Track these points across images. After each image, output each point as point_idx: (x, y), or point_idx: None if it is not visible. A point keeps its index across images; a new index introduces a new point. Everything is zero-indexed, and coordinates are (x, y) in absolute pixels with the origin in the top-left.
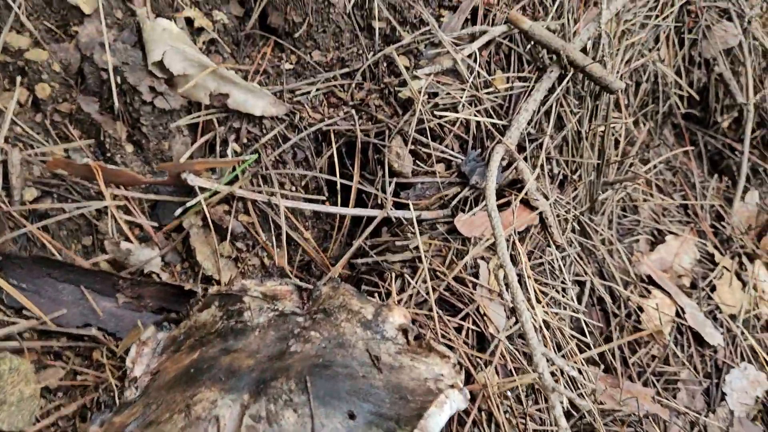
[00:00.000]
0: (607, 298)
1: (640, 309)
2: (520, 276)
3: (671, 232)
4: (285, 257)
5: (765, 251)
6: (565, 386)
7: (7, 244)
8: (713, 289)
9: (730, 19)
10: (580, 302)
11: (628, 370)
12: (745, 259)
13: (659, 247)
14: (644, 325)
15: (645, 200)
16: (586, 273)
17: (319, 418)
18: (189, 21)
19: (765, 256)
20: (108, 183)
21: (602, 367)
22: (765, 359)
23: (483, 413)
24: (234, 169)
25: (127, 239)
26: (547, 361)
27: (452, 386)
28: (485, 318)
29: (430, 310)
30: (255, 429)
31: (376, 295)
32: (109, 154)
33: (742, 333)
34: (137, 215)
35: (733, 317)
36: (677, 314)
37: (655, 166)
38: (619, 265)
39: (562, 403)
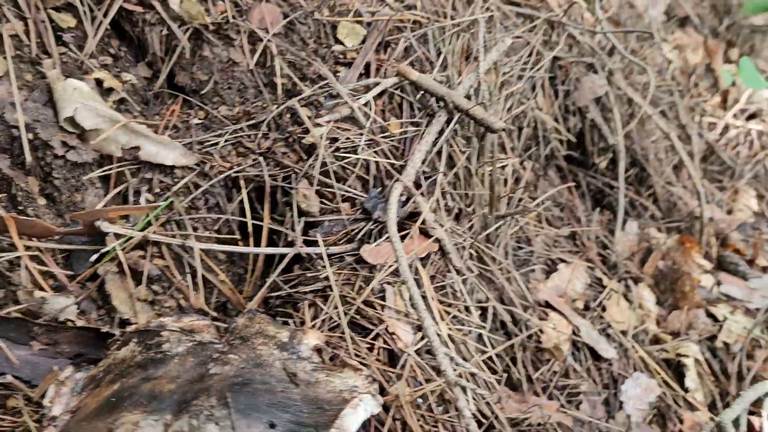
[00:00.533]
0: (509, 321)
1: (540, 330)
2: (424, 297)
3: (563, 260)
4: (201, 298)
5: (647, 275)
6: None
7: None
8: (604, 309)
9: (596, 72)
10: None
11: (532, 386)
12: (630, 282)
13: (553, 275)
14: (544, 344)
15: (537, 234)
16: (488, 299)
17: (241, 429)
18: (99, 82)
19: (648, 279)
20: (21, 234)
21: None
22: (655, 369)
23: (397, 422)
24: (147, 215)
25: (41, 289)
26: (451, 360)
27: (366, 393)
28: (394, 336)
29: (343, 332)
30: None
31: (291, 323)
32: (21, 207)
33: (633, 346)
34: (51, 265)
35: (623, 333)
36: (573, 333)
37: (543, 202)
38: (518, 292)
39: (466, 395)
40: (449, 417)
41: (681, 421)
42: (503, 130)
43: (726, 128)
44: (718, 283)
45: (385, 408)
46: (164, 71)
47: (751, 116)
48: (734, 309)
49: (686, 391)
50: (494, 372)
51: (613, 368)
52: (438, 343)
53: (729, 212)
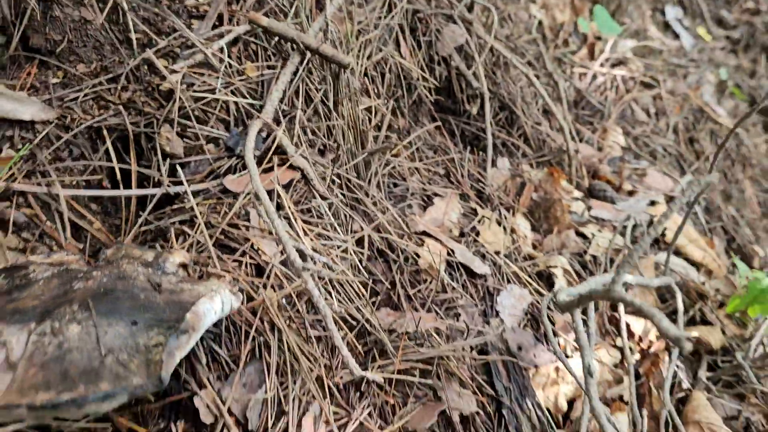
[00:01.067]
0: (386, 248)
1: (417, 255)
2: (287, 218)
3: (438, 195)
4: (72, 241)
5: (523, 206)
6: (335, 295)
7: None
8: (478, 233)
9: (455, 22)
10: (362, 255)
11: (412, 303)
12: (504, 212)
13: (429, 209)
14: (421, 266)
15: (412, 173)
16: (362, 228)
17: (103, 327)
18: None
19: (523, 209)
20: None
21: (388, 305)
22: (526, 280)
23: (266, 323)
24: (9, 166)
25: None
26: (298, 250)
27: (225, 288)
28: (260, 251)
29: (209, 252)
30: (41, 342)
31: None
32: None
33: (505, 263)
34: None
35: (497, 253)
36: (448, 254)
37: (413, 143)
38: (394, 222)
39: (313, 278)
40: (316, 317)
41: (553, 323)
42: (351, 66)
43: (594, 76)
44: (589, 209)
45: (254, 313)
46: (16, 35)
47: (616, 64)
48: (602, 228)
49: (550, 308)
50: (365, 285)
51: (488, 283)
52: (286, 237)
53: (600, 149)
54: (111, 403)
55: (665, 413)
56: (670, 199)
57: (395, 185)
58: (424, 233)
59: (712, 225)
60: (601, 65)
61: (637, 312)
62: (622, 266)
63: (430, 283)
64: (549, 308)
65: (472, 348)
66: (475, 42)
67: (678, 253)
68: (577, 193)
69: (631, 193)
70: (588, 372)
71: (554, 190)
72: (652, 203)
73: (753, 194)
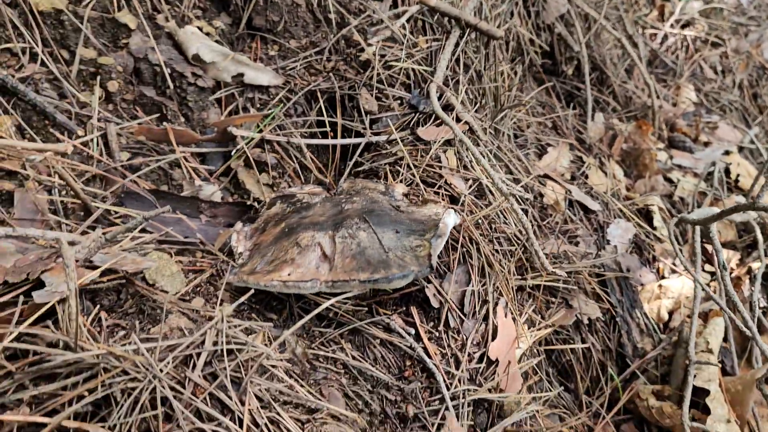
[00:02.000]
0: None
1: (541, 194)
2: (481, 156)
3: (550, 144)
4: (317, 179)
5: (615, 154)
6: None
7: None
8: (586, 177)
9: None
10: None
11: (542, 232)
12: (603, 158)
13: (545, 157)
14: (547, 202)
15: (528, 125)
16: (505, 171)
17: (379, 233)
18: (199, 29)
19: (616, 157)
20: (176, 143)
21: None
22: (630, 215)
23: (467, 238)
24: (263, 121)
25: (195, 180)
26: (503, 182)
27: (450, 209)
28: (452, 186)
29: (417, 185)
30: (345, 243)
31: None
32: (168, 125)
33: (612, 201)
34: (197, 164)
35: (604, 193)
36: (567, 193)
37: (528, 101)
38: (522, 166)
39: (518, 202)
40: (497, 235)
41: (653, 249)
42: (502, 37)
43: (665, 37)
44: (671, 157)
45: (456, 230)
46: (245, 17)
47: (685, 25)
48: (685, 174)
49: (654, 228)
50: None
51: (599, 217)
52: (492, 172)
53: (674, 104)
54: (402, 281)
55: (757, 315)
56: (740, 149)
57: (517, 136)
58: (546, 176)
59: None
60: (672, 26)
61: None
62: (766, 185)
63: (555, 216)
64: (675, 226)
65: (593, 266)
66: (575, 10)
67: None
68: (660, 144)
69: (706, 144)
70: (722, 267)
71: (643, 141)
72: (726, 153)
73: None
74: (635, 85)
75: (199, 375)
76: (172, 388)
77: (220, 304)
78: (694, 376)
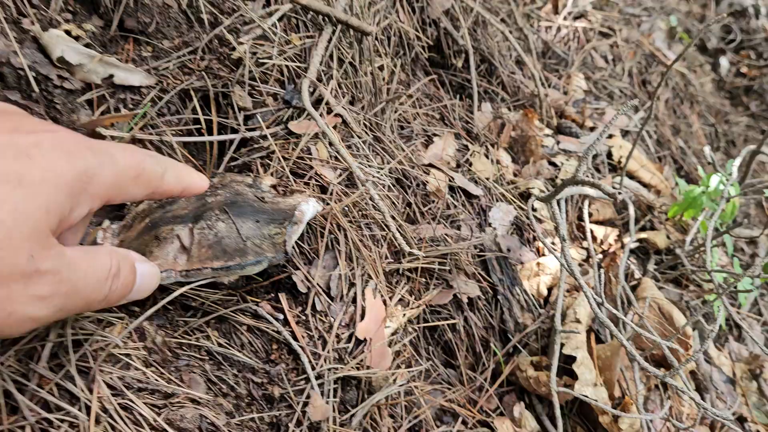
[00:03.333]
0: (402, 177)
1: (425, 182)
2: (340, 146)
3: (436, 135)
4: None
5: (503, 143)
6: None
7: None
8: (470, 164)
9: None
10: (387, 181)
11: (425, 218)
12: (490, 147)
13: (431, 147)
14: (429, 189)
15: (414, 117)
16: (384, 161)
17: (238, 223)
18: (68, 33)
19: (504, 144)
20: None
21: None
22: (511, 199)
23: (334, 225)
24: (133, 119)
25: None
26: (361, 170)
27: (311, 197)
28: (322, 176)
29: (287, 177)
30: (203, 234)
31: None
32: None
33: (494, 186)
34: None
35: (487, 179)
36: (449, 180)
37: (414, 93)
38: (407, 157)
39: (374, 187)
40: (366, 221)
41: (533, 230)
42: (373, 33)
43: (559, 29)
44: (558, 143)
45: (324, 217)
46: (116, 19)
47: (577, 17)
48: (569, 158)
49: (534, 210)
50: (395, 201)
51: (481, 202)
52: (351, 159)
53: (565, 93)
54: (256, 267)
55: (620, 291)
56: (625, 133)
57: (402, 128)
58: (430, 165)
59: (662, 154)
60: (564, 18)
61: (588, 184)
62: (583, 159)
63: (438, 202)
64: (533, 209)
65: (474, 247)
66: (459, 5)
67: (632, 176)
68: (548, 131)
69: (592, 129)
70: (563, 239)
71: (529, 128)
72: (610, 136)
73: (699, 128)
74: (524, 75)
75: (44, 366)
76: (15, 381)
77: None
78: (562, 345)
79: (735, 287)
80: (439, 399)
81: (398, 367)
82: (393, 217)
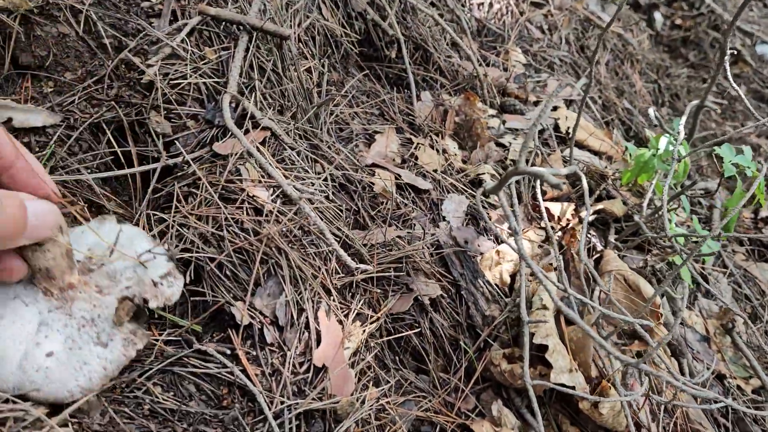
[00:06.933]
0: (346, 183)
1: (371, 183)
2: (268, 165)
3: (378, 132)
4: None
5: (449, 130)
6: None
7: None
8: (416, 158)
9: None
10: (329, 190)
11: (375, 222)
12: (434, 137)
13: (373, 145)
14: (376, 190)
15: (352, 117)
16: (323, 168)
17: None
18: None
19: (449, 132)
20: None
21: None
22: (462, 188)
23: (273, 249)
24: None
25: None
26: (294, 188)
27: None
28: (255, 197)
29: (217, 205)
30: None
31: (173, 212)
32: None
33: (443, 177)
34: None
35: (435, 171)
36: (396, 178)
37: (348, 92)
38: (348, 160)
39: (306, 203)
40: (309, 238)
41: (487, 221)
42: (290, 37)
43: (491, 4)
44: (504, 122)
45: (260, 242)
46: (7, 56)
47: None
48: (517, 136)
49: (486, 196)
50: (340, 210)
51: (432, 196)
52: (281, 178)
53: (505, 69)
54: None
55: (583, 268)
56: (570, 103)
57: (341, 130)
58: (374, 165)
59: (610, 118)
60: None
61: (530, 174)
62: (523, 147)
63: (386, 203)
64: (483, 197)
65: (430, 246)
66: None
67: (582, 146)
68: (492, 111)
69: (536, 103)
70: (514, 231)
71: (472, 111)
72: (555, 108)
73: (642, 86)
74: (460, 57)
75: None
76: None
77: None
78: (532, 335)
79: (699, 251)
80: (414, 410)
81: (365, 387)
82: (338, 229)
